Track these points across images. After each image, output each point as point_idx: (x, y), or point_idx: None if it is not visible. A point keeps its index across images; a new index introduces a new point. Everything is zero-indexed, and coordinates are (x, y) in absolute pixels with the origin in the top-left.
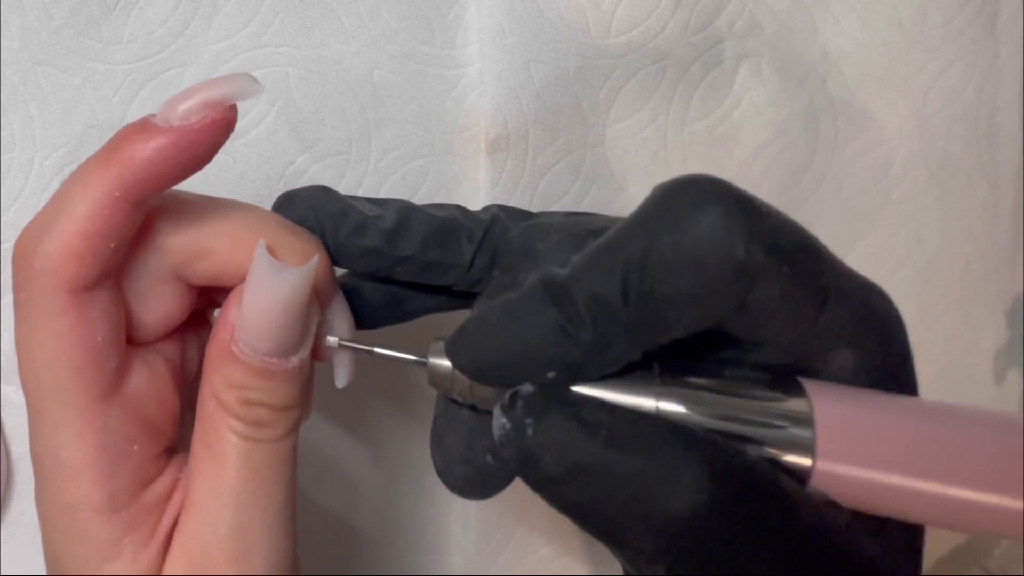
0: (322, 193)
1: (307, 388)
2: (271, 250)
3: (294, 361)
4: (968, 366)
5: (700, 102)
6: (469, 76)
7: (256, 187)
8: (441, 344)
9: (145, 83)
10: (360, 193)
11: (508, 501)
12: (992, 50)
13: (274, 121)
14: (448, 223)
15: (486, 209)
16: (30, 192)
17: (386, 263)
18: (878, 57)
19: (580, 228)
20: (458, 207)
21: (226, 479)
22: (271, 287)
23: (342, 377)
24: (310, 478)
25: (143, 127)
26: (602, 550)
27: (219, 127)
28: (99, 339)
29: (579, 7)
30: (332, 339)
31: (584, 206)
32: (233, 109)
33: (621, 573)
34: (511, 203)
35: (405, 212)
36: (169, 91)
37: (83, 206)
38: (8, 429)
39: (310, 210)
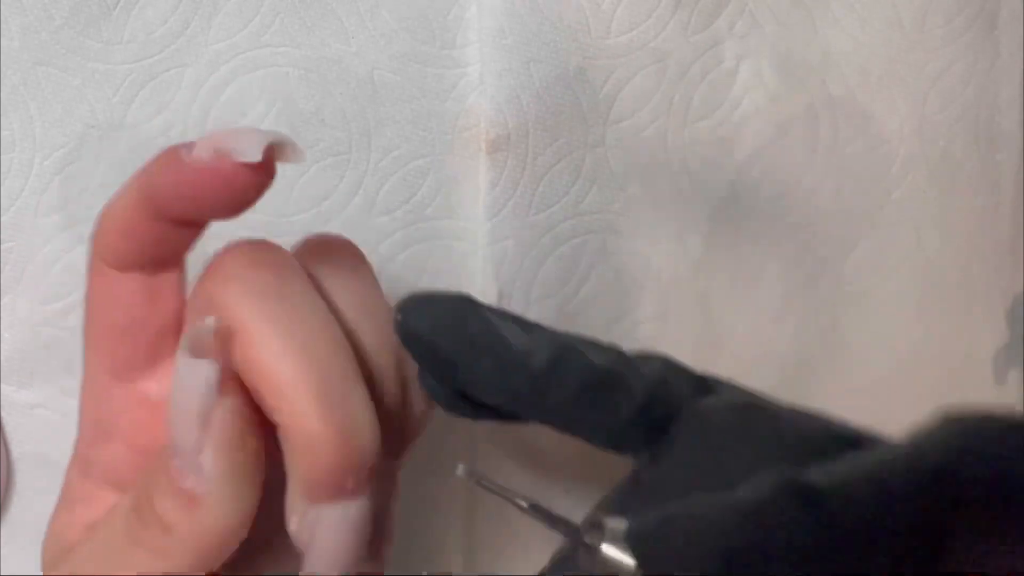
0: (468, 306)
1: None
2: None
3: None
4: (968, 366)
5: (700, 102)
6: (469, 76)
7: None
8: (620, 526)
9: (145, 83)
10: (360, 193)
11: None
12: (992, 50)
13: (274, 121)
14: (609, 376)
15: (647, 359)
16: (30, 192)
17: (524, 409)
18: (878, 57)
19: (817, 427)
20: (618, 351)
21: None
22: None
23: None
24: None
25: (169, 153)
26: None
27: (222, 177)
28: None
29: (579, 7)
30: (462, 467)
31: (584, 206)
32: (243, 167)
33: None
34: (511, 203)
35: (560, 352)
36: (169, 91)
37: (127, 193)
38: (8, 429)
39: (448, 327)
